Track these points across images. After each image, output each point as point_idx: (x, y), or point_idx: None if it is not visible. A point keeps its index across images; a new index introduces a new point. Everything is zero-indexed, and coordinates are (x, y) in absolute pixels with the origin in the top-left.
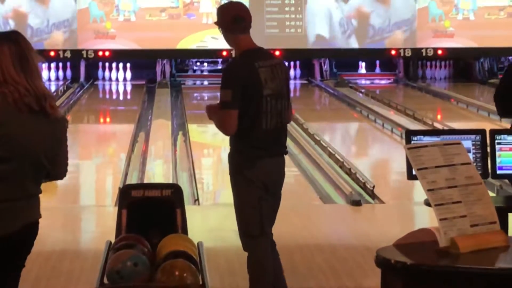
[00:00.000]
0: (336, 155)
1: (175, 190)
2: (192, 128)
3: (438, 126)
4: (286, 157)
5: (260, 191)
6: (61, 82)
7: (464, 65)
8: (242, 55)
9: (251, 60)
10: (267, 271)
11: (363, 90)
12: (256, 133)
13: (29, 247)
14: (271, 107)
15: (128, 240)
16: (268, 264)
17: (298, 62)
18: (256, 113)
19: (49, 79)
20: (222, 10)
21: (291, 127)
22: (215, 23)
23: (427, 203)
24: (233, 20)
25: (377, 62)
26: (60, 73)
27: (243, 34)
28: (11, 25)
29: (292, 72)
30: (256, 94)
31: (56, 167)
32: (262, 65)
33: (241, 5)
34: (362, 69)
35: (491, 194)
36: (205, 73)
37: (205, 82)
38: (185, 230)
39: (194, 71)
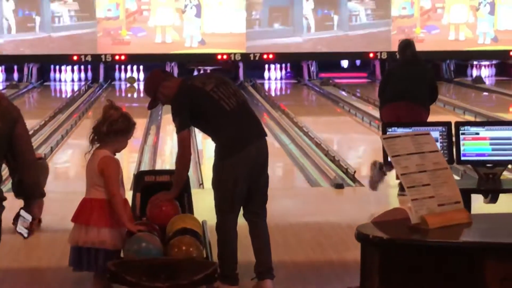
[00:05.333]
0: (322, 144)
1: None
2: None
3: None
4: (277, 147)
5: (236, 176)
6: (83, 83)
7: (433, 66)
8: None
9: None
10: (231, 241)
11: (345, 88)
12: (225, 119)
13: None
14: (222, 93)
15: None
16: (233, 236)
17: (288, 64)
18: (214, 107)
19: (73, 80)
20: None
21: (283, 120)
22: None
23: (401, 186)
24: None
25: (357, 62)
26: (82, 74)
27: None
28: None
29: (283, 73)
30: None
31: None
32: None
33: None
34: (343, 69)
35: (456, 177)
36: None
37: None
38: (191, 210)
39: (199, 70)
